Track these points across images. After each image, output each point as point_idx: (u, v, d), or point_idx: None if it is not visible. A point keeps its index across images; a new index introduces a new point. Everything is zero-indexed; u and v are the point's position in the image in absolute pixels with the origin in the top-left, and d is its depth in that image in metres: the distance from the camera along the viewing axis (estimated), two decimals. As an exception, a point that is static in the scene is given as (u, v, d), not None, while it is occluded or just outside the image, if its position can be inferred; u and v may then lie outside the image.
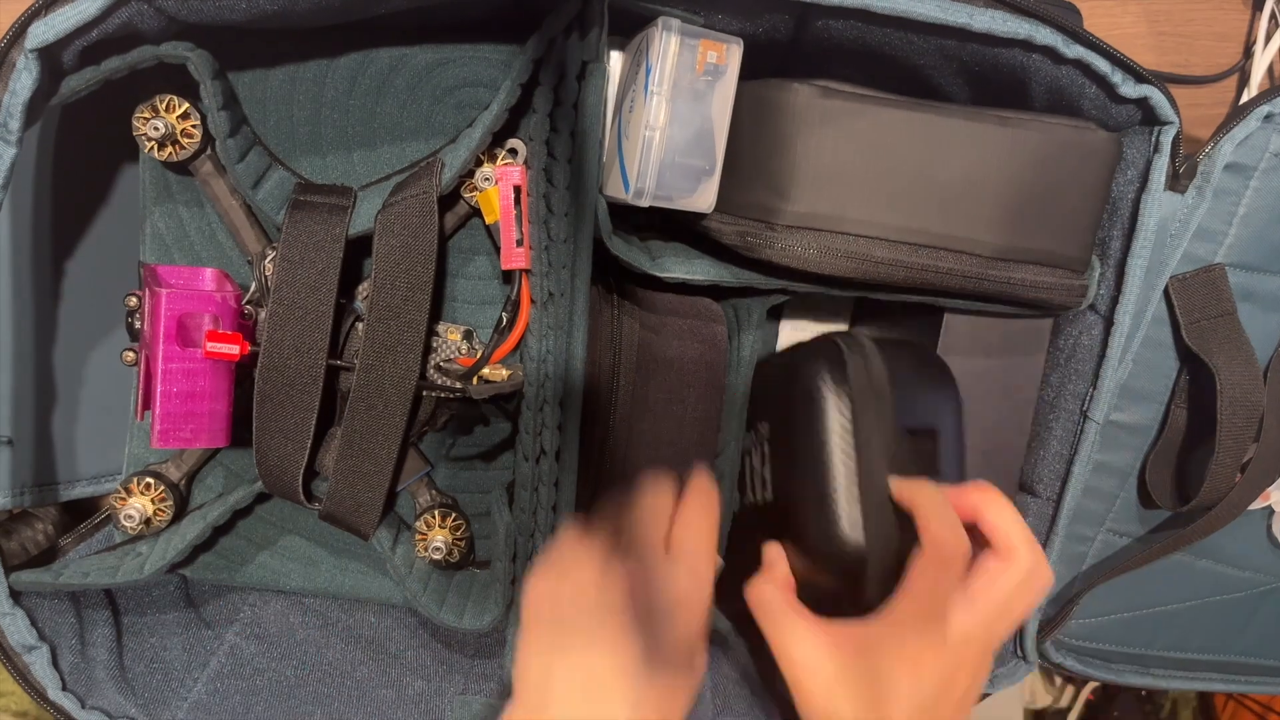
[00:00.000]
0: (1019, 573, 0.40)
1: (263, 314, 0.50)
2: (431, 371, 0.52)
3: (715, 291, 0.55)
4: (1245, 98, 0.66)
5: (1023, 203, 0.47)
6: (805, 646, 0.41)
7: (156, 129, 0.47)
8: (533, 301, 0.51)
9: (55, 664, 0.47)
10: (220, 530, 0.55)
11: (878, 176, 0.45)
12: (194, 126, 0.48)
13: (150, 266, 0.51)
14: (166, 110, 0.47)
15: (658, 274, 0.50)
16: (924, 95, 0.48)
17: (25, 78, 0.40)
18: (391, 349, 0.49)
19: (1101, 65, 0.45)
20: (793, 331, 0.60)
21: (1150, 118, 0.48)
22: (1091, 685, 0.96)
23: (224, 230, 0.53)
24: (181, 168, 0.50)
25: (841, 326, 0.60)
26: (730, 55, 0.46)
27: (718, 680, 0.57)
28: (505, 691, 0.54)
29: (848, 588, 0.42)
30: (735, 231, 0.47)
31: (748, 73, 0.46)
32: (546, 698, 0.38)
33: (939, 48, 0.46)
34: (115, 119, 0.48)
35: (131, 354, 0.52)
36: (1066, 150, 0.47)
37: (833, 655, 0.40)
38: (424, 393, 0.52)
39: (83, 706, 0.47)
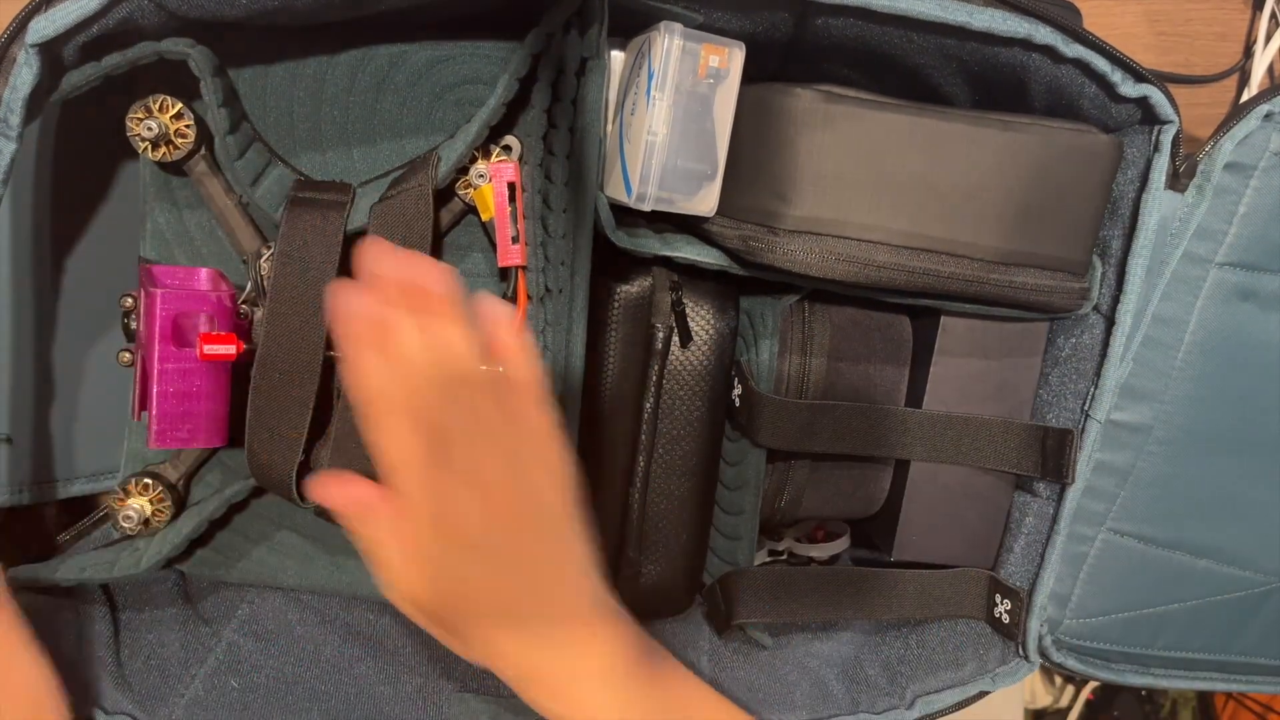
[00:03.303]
0: None
1: (259, 313, 0.50)
2: (430, 369, 0.52)
3: (728, 290, 0.55)
4: (1245, 97, 0.66)
5: (1024, 207, 0.47)
6: None
7: (150, 129, 0.47)
8: (529, 298, 0.51)
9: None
10: (216, 525, 0.55)
11: (879, 181, 0.45)
12: (187, 126, 0.48)
13: (146, 267, 0.51)
14: (160, 110, 0.47)
15: (669, 254, 0.50)
16: (923, 95, 0.48)
17: (25, 73, 0.40)
18: None
19: (1101, 64, 0.45)
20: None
21: (1150, 117, 0.48)
22: (1091, 685, 0.96)
23: (223, 227, 0.53)
24: (176, 168, 0.50)
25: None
26: (732, 59, 0.46)
27: (716, 676, 0.57)
28: (501, 689, 0.54)
29: None
30: (737, 235, 0.48)
31: (748, 72, 0.46)
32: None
33: (938, 46, 0.46)
34: (115, 115, 0.48)
35: (128, 354, 0.52)
36: (1067, 154, 0.47)
37: None
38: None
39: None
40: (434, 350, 0.33)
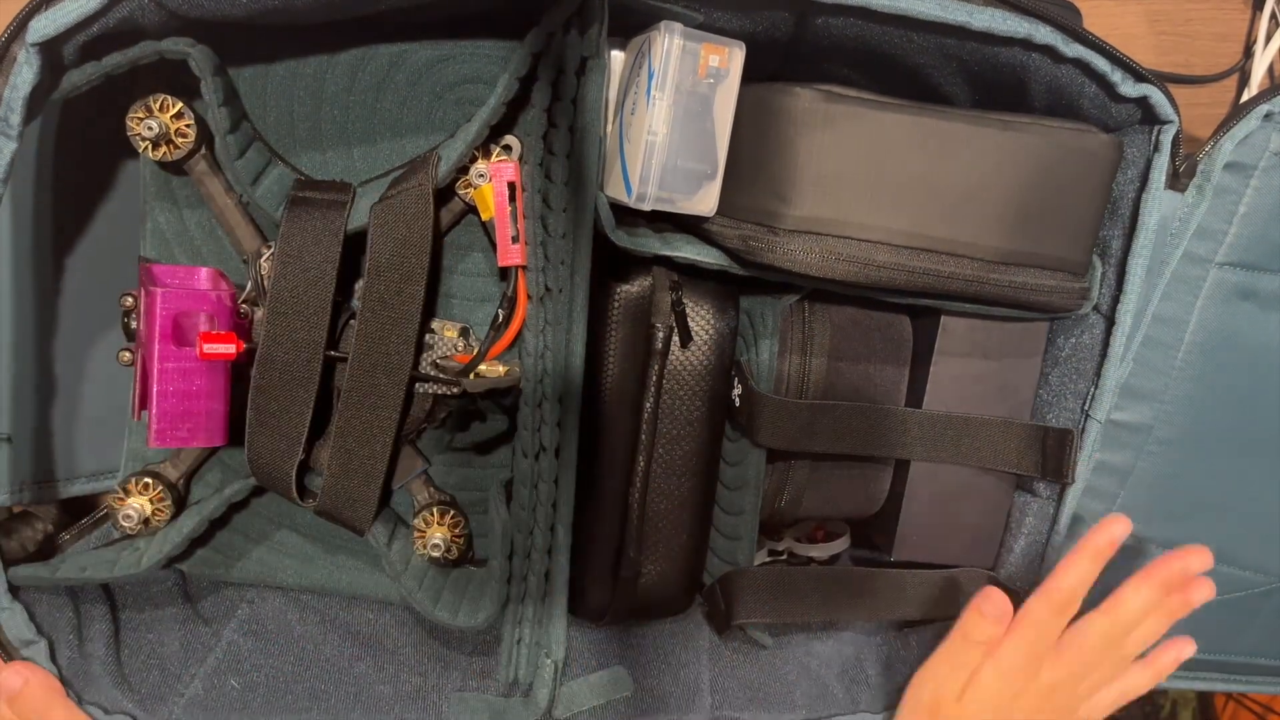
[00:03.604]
0: (1103, 632, 0.48)
1: (259, 312, 0.50)
2: (427, 368, 0.52)
3: (729, 290, 0.55)
4: (1245, 97, 0.66)
5: (1024, 206, 0.47)
6: None
7: (150, 129, 0.47)
8: (529, 297, 0.51)
9: (53, 659, 0.47)
10: (216, 524, 0.55)
11: (879, 181, 0.45)
12: (188, 126, 0.48)
13: (146, 266, 0.51)
14: (160, 110, 0.47)
15: (669, 254, 0.50)
16: (924, 95, 0.48)
17: (26, 72, 0.40)
18: (384, 340, 0.49)
19: (1101, 64, 0.45)
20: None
21: (1150, 117, 0.48)
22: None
23: (223, 226, 0.53)
24: (176, 167, 0.50)
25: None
26: (732, 59, 0.46)
27: (716, 676, 0.57)
28: (501, 689, 0.54)
29: None
30: (737, 235, 0.48)
31: (748, 72, 0.46)
32: None
33: (939, 46, 0.46)
34: (116, 114, 0.48)
35: (128, 354, 0.52)
36: (1067, 154, 0.47)
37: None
38: (419, 387, 0.52)
39: (80, 702, 0.47)
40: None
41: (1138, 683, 0.51)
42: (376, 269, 0.49)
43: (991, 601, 0.48)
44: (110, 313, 0.53)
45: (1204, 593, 0.50)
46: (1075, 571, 0.48)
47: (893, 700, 0.56)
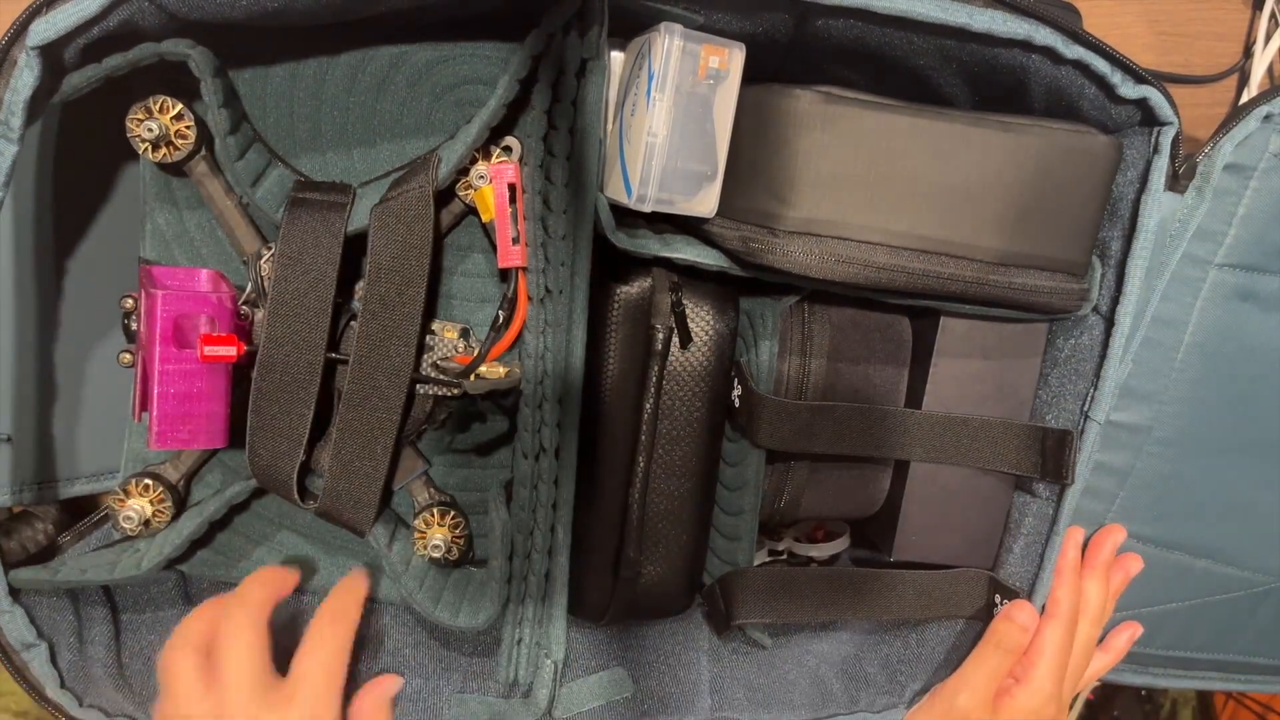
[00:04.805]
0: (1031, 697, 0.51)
1: (259, 314, 0.51)
2: (428, 369, 0.52)
3: (728, 291, 0.55)
4: (1245, 98, 0.66)
5: (1023, 208, 0.47)
6: None
7: (150, 130, 0.47)
8: (530, 299, 0.51)
9: (53, 662, 0.47)
10: (217, 526, 0.55)
11: (879, 182, 0.45)
12: (187, 127, 0.48)
13: (146, 268, 0.51)
14: (160, 111, 0.47)
15: (669, 255, 0.50)
16: (923, 96, 0.48)
17: (27, 75, 0.40)
18: (385, 342, 0.49)
19: (1101, 66, 0.45)
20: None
21: (1150, 118, 0.48)
22: (1091, 685, 0.96)
23: (223, 227, 0.53)
24: (176, 169, 0.50)
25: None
26: (732, 60, 0.46)
27: (716, 676, 0.57)
28: (501, 689, 0.54)
29: None
30: (737, 237, 0.48)
31: (748, 73, 0.46)
32: None
33: (939, 48, 0.46)
34: (117, 116, 0.48)
35: (129, 355, 0.52)
36: (1067, 155, 0.47)
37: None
38: (420, 388, 0.52)
39: (80, 704, 0.47)
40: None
41: (1100, 666, 0.57)
42: (377, 271, 0.49)
43: (1024, 611, 0.52)
44: (111, 314, 0.53)
45: (1138, 564, 0.55)
46: (1091, 588, 0.54)
47: (893, 699, 0.56)
